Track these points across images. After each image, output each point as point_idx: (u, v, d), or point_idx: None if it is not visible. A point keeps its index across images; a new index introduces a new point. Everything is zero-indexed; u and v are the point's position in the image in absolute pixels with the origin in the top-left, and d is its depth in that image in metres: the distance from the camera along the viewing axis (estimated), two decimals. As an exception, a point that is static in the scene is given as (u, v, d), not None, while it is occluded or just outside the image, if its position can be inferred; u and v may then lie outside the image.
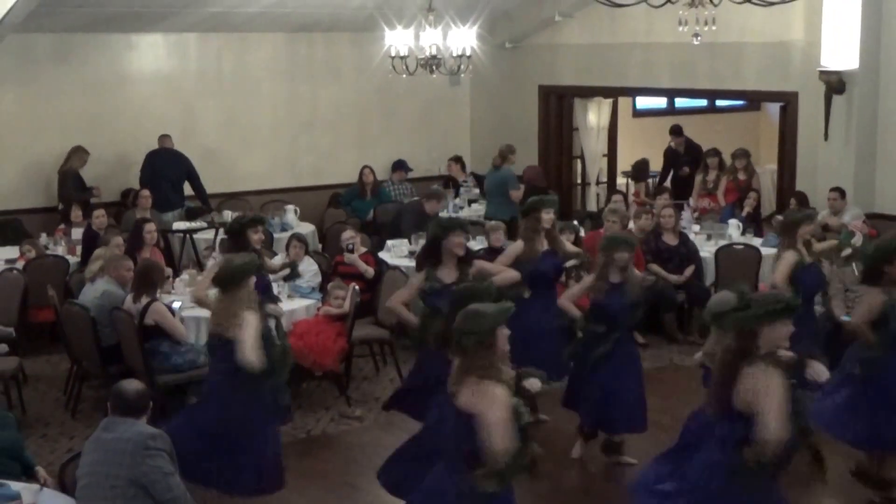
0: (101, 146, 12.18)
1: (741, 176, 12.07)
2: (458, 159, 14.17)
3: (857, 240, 9.46)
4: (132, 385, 5.02)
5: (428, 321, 6.62)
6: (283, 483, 6.41)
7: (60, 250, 10.52)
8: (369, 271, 9.47)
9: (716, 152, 12.71)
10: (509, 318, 4.78)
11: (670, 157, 14.19)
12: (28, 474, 5.66)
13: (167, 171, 12.16)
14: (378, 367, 9.42)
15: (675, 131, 14.28)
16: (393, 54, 10.06)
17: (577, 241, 9.73)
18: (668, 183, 14.24)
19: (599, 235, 10.09)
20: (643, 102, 16.55)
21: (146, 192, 11.54)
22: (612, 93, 14.03)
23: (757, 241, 10.69)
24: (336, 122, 13.91)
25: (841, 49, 10.83)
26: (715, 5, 6.81)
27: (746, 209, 11.46)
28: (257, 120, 13.43)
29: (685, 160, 13.81)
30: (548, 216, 7.78)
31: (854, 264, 8.23)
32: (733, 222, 10.93)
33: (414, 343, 7.23)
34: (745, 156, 12.30)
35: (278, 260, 9.29)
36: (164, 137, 12.33)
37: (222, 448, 6.14)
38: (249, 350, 6.02)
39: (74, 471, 5.01)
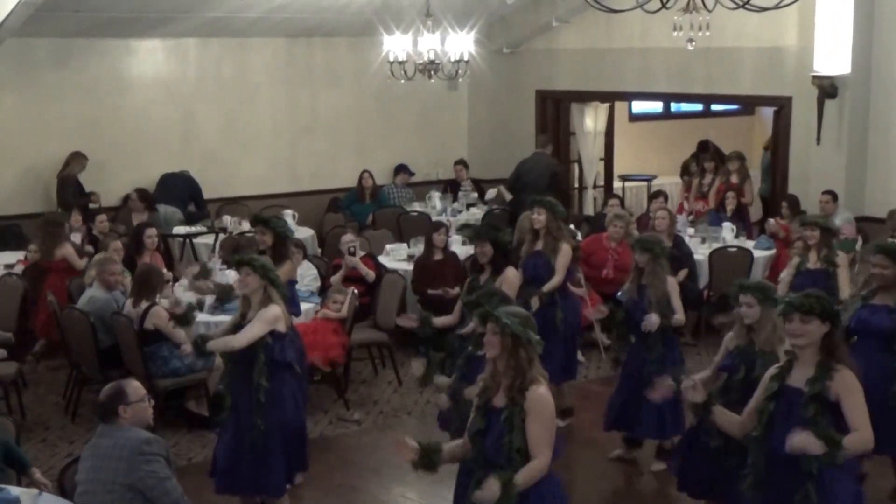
0: (100, 151, 12.19)
1: (734, 179, 12.14)
2: (462, 163, 14.18)
3: (859, 245, 9.55)
4: (103, 390, 4.99)
5: None
6: None
7: (60, 255, 10.54)
8: (371, 274, 9.49)
9: (712, 157, 12.77)
10: None
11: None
12: (24, 472, 5.65)
13: (173, 181, 12.46)
14: (377, 371, 9.49)
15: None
16: (391, 59, 10.11)
17: (575, 246, 9.77)
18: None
19: (600, 239, 10.17)
20: (639, 107, 16.60)
21: (136, 195, 11.74)
22: (609, 97, 14.09)
23: (749, 244, 10.80)
24: (335, 126, 13.95)
25: (833, 54, 10.93)
26: (709, 11, 6.85)
27: (729, 208, 11.56)
28: (256, 125, 13.45)
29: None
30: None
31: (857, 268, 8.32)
32: (727, 225, 11.00)
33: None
34: (739, 159, 12.36)
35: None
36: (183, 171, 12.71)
37: None
38: None
39: (74, 475, 5.03)
